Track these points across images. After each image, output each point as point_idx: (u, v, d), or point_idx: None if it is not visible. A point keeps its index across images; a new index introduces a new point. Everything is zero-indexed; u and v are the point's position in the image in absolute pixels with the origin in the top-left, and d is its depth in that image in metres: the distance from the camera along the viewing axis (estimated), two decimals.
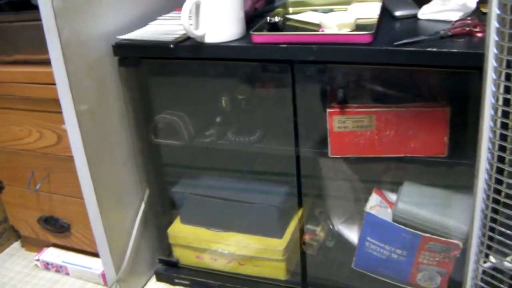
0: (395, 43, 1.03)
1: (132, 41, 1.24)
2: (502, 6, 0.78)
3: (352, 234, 1.45)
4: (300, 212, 1.40)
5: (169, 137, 1.39)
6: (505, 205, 0.90)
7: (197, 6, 1.13)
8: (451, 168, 1.23)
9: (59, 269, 1.62)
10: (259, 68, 1.18)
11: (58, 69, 1.15)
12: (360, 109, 1.16)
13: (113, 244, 1.37)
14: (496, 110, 0.86)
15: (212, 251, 1.47)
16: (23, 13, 1.32)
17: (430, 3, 1.22)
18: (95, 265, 1.56)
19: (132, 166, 1.42)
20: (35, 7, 1.13)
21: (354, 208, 1.45)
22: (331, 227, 1.49)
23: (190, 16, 1.13)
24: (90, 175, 1.26)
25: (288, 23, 1.28)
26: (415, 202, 1.23)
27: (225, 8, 1.15)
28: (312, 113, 1.25)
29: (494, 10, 0.79)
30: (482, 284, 1.02)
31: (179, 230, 1.51)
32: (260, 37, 1.14)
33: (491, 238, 0.97)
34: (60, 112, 1.22)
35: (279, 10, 1.32)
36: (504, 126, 0.86)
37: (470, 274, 1.02)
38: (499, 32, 0.80)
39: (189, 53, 1.19)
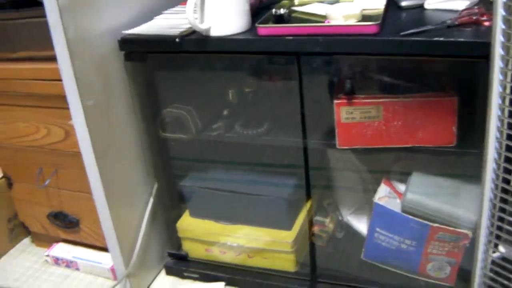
0: (402, 33, 1.02)
1: (138, 35, 1.23)
2: None
3: (361, 225, 1.45)
4: (308, 204, 1.40)
5: (176, 131, 1.40)
6: None
7: (202, 0, 1.13)
8: (459, 157, 1.22)
9: (69, 264, 1.63)
10: (266, 61, 1.18)
11: (64, 65, 1.15)
12: (368, 100, 1.16)
13: (122, 238, 1.37)
14: (503, 99, 0.85)
15: (221, 244, 1.47)
16: (27, 10, 1.33)
17: None
18: (104, 259, 1.56)
19: (140, 160, 1.42)
20: (39, 4, 1.13)
21: (363, 199, 1.45)
22: (340, 218, 1.49)
23: (195, 10, 1.13)
24: (98, 171, 1.26)
25: (293, 15, 1.27)
26: (424, 192, 1.22)
27: (230, 1, 1.14)
28: (319, 104, 1.24)
29: None
30: (491, 274, 1.02)
31: (188, 224, 1.51)
32: (266, 29, 1.13)
33: (500, 228, 0.96)
34: (67, 108, 1.22)
35: (285, 2, 1.32)
36: None
37: (479, 264, 1.02)
38: (506, 20, 0.80)
39: (194, 46, 1.18)
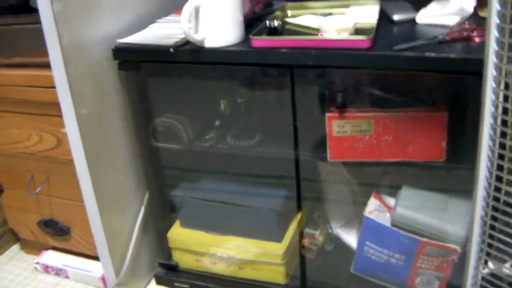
0: (394, 47, 1.03)
1: (132, 45, 1.24)
2: (501, 16, 0.79)
3: (350, 238, 1.45)
4: (299, 216, 1.40)
5: (168, 140, 1.40)
6: (504, 213, 0.91)
7: (197, 10, 1.14)
8: (449, 172, 1.23)
9: (58, 272, 1.62)
10: (259, 72, 1.18)
11: (58, 72, 1.16)
12: (359, 114, 1.17)
13: (113, 247, 1.37)
14: (495, 119, 0.86)
15: (212, 255, 1.47)
16: (22, 16, 1.33)
17: (428, 7, 1.22)
18: (95, 268, 1.56)
19: (131, 169, 1.42)
20: (34, 10, 1.13)
21: (353, 212, 1.45)
22: (329, 231, 1.49)
23: (189, 20, 1.13)
24: (91, 178, 1.26)
25: (287, 27, 1.28)
26: (413, 206, 1.23)
27: (225, 13, 1.15)
28: (311, 117, 1.25)
29: (493, 19, 0.79)
30: None
31: (178, 234, 1.51)
32: (260, 41, 1.14)
33: (490, 245, 0.97)
34: (60, 116, 1.22)
35: (278, 13, 1.33)
36: (503, 135, 0.87)
37: (469, 280, 1.02)
38: (499, 42, 0.81)
39: (189, 57, 1.19)
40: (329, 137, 1.20)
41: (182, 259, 1.53)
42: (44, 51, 1.15)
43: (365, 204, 1.31)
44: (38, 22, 1.12)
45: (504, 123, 0.86)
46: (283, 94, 1.20)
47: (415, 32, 1.18)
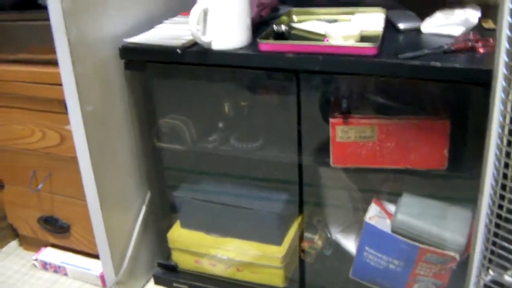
0: (400, 56, 1.05)
1: (139, 44, 1.25)
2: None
3: (349, 243, 1.45)
4: (299, 220, 1.41)
5: (172, 141, 1.40)
6: (507, 220, 0.92)
7: (205, 13, 1.15)
8: (450, 180, 1.24)
9: (57, 269, 1.63)
10: (265, 76, 1.19)
11: (65, 68, 1.16)
12: (363, 120, 1.18)
13: (113, 246, 1.38)
14: (503, 128, 0.87)
15: (211, 256, 1.47)
16: (28, 12, 1.33)
17: (433, 16, 1.23)
18: (94, 266, 1.56)
19: (134, 168, 1.43)
20: (41, 7, 1.14)
21: (352, 218, 1.46)
22: (328, 235, 1.50)
23: (198, 22, 1.14)
24: (94, 176, 1.27)
25: (293, 32, 1.29)
26: (414, 213, 1.23)
27: (233, 16, 1.16)
28: (315, 122, 1.26)
29: (504, 31, 0.80)
30: None
31: (178, 234, 1.51)
32: (267, 45, 1.15)
33: (492, 252, 0.98)
34: (64, 113, 1.23)
35: (284, 18, 1.33)
36: (509, 144, 0.88)
37: (471, 287, 1.03)
38: (509, 53, 0.82)
39: (196, 59, 1.20)
40: (332, 143, 1.21)
41: (181, 260, 1.53)
42: (50, 48, 1.16)
43: (365, 210, 1.32)
44: (45, 19, 1.13)
45: (511, 133, 0.87)
46: (288, 99, 1.21)
47: (420, 41, 1.19)
